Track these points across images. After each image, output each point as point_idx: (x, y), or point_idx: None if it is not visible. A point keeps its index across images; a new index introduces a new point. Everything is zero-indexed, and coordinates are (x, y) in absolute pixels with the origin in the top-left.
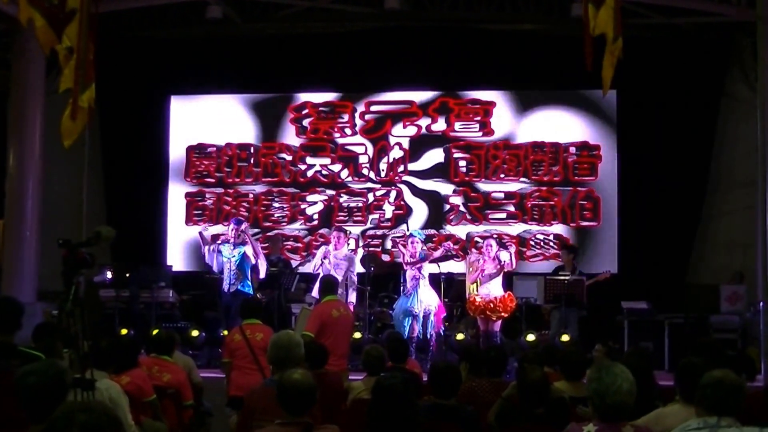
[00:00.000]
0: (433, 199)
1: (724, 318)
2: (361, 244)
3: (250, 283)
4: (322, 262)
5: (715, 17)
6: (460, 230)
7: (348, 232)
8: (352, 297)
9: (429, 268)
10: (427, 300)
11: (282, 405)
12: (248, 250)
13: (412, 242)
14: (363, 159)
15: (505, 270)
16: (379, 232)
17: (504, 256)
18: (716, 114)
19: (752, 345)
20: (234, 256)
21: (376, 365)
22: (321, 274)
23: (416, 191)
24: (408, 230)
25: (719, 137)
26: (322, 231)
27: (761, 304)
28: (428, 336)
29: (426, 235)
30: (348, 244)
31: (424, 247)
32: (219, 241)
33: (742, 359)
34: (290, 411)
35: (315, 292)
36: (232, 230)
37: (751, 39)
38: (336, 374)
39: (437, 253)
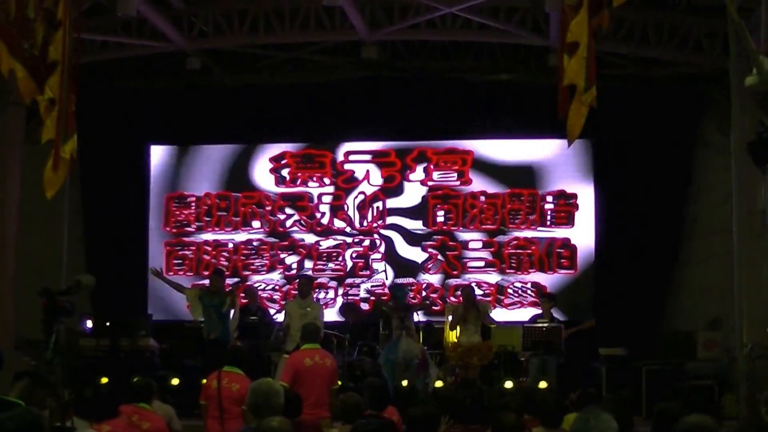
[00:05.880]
0: (411, 248)
1: (700, 364)
2: (340, 293)
3: (228, 332)
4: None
5: (689, 67)
6: (438, 279)
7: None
8: None
9: (413, 318)
10: (408, 350)
11: None
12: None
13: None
14: (341, 208)
15: (486, 322)
16: (358, 281)
17: (483, 307)
18: (691, 162)
19: (729, 392)
20: (215, 305)
21: (353, 413)
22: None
23: (395, 240)
24: (378, 271)
25: (694, 184)
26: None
27: (736, 350)
28: (414, 385)
29: (405, 285)
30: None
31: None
32: (201, 290)
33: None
34: None
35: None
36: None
37: (725, 88)
38: (314, 423)
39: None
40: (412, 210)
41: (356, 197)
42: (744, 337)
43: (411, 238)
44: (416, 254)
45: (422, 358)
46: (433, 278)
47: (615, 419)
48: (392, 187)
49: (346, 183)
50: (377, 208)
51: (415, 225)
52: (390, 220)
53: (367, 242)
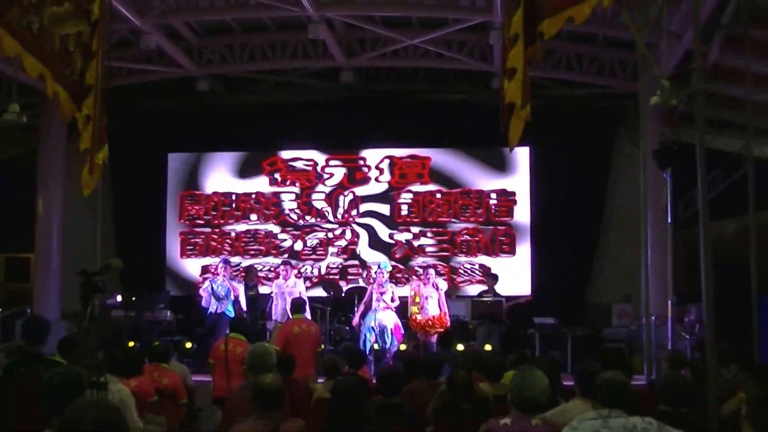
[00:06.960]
0: (380, 236)
1: (614, 330)
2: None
3: (231, 308)
4: (276, 293)
5: (606, 89)
6: (403, 261)
7: (293, 264)
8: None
9: (389, 294)
10: (383, 318)
11: (255, 403)
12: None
13: (379, 273)
14: (323, 204)
15: (441, 295)
16: (338, 263)
17: (441, 283)
18: (608, 165)
19: (637, 352)
20: (223, 286)
21: (333, 371)
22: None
23: (368, 230)
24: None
25: (611, 185)
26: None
27: (643, 319)
28: (385, 348)
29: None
30: (294, 273)
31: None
32: (209, 278)
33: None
34: (263, 408)
35: (275, 315)
36: (222, 268)
37: (635, 106)
38: (303, 380)
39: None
40: (381, 205)
41: (335, 195)
42: (649, 309)
43: (380, 227)
44: (384, 241)
45: (395, 327)
46: (399, 261)
47: (546, 375)
48: (365, 187)
49: (327, 184)
50: (353, 204)
51: (384, 217)
52: (363, 212)
53: (341, 231)
